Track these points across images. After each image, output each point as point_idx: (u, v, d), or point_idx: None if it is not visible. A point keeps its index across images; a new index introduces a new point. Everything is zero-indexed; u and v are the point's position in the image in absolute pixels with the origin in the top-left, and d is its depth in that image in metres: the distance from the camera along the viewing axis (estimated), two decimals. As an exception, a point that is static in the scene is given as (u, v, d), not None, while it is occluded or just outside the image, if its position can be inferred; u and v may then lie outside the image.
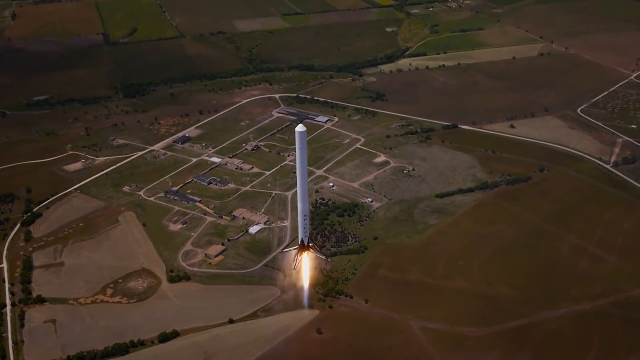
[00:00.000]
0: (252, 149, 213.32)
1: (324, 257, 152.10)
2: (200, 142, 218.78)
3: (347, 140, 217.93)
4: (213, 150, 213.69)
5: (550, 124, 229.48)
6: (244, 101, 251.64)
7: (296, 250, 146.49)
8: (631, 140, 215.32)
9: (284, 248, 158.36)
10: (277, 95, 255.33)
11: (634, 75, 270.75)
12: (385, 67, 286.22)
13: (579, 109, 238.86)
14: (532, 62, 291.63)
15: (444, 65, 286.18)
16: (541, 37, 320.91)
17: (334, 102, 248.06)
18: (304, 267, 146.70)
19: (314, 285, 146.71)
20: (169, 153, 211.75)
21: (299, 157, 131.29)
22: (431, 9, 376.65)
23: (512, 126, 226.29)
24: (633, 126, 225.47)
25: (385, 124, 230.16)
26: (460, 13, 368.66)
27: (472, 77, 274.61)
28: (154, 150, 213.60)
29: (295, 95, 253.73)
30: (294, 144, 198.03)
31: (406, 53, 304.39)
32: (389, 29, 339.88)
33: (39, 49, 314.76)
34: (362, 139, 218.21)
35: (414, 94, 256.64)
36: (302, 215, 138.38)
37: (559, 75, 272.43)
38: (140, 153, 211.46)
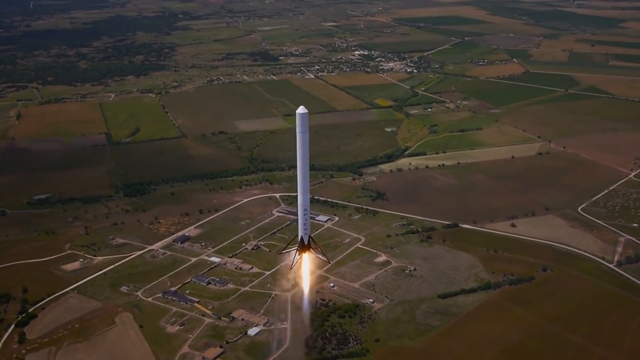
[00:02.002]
0: (252, 249, 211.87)
1: (325, 259, 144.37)
2: (200, 242, 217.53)
3: (348, 240, 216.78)
4: (213, 249, 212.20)
5: (552, 223, 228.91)
6: (244, 200, 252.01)
7: (296, 251, 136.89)
8: (633, 239, 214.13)
9: (284, 249, 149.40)
10: (277, 195, 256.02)
11: (633, 174, 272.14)
12: (385, 167, 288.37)
13: (580, 208, 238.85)
14: (531, 161, 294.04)
15: (443, 165, 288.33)
16: (539, 137, 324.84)
17: (334, 201, 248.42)
18: (304, 268, 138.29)
19: None
20: (168, 253, 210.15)
21: (299, 141, 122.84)
22: (429, 109, 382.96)
23: (513, 225, 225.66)
24: (634, 225, 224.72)
25: (385, 223, 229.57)
26: (458, 113, 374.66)
27: (471, 176, 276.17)
28: (153, 249, 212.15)
29: (295, 194, 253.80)
30: (296, 243, 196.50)
31: (406, 152, 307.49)
32: (388, 129, 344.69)
33: (42, 148, 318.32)
34: (363, 239, 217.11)
35: (414, 193, 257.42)
36: (303, 209, 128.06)
37: (558, 174, 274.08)
38: (139, 252, 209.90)
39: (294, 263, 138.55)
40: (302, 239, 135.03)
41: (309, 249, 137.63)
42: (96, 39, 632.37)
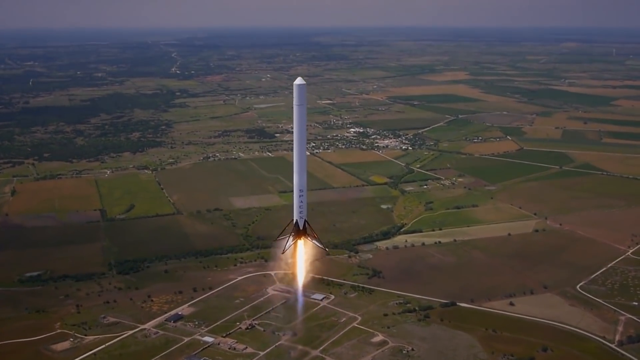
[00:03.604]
0: (247, 328, 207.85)
1: (322, 247, 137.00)
2: (193, 321, 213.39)
3: (344, 319, 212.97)
4: (206, 329, 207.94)
5: (550, 301, 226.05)
6: (239, 278, 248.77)
7: (289, 236, 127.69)
8: (634, 317, 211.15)
9: (279, 235, 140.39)
10: (272, 272, 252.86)
11: (631, 251, 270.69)
12: (382, 244, 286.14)
13: (578, 286, 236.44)
14: (527, 238, 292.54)
15: (439, 242, 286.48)
16: (535, 214, 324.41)
17: (330, 279, 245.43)
18: (299, 256, 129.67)
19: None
20: (161, 332, 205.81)
21: (296, 114, 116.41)
22: (425, 186, 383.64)
23: (511, 304, 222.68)
24: (634, 303, 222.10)
25: (382, 302, 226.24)
26: (454, 190, 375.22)
27: (468, 253, 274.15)
28: (145, 328, 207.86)
29: (291, 272, 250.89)
30: (291, 321, 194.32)
31: (402, 230, 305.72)
32: (384, 206, 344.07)
33: (36, 224, 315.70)
34: (359, 318, 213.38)
35: (411, 271, 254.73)
36: (298, 190, 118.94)
37: (556, 252, 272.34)
38: (131, 332, 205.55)
39: (286, 248, 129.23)
40: (297, 223, 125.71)
41: (304, 235, 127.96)
42: (94, 115, 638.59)
